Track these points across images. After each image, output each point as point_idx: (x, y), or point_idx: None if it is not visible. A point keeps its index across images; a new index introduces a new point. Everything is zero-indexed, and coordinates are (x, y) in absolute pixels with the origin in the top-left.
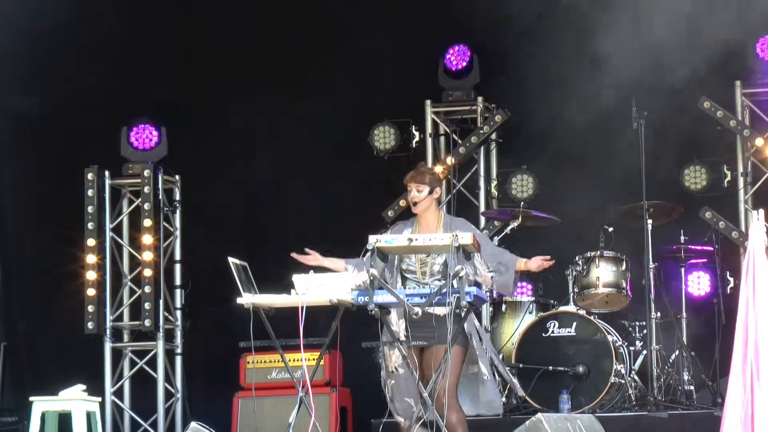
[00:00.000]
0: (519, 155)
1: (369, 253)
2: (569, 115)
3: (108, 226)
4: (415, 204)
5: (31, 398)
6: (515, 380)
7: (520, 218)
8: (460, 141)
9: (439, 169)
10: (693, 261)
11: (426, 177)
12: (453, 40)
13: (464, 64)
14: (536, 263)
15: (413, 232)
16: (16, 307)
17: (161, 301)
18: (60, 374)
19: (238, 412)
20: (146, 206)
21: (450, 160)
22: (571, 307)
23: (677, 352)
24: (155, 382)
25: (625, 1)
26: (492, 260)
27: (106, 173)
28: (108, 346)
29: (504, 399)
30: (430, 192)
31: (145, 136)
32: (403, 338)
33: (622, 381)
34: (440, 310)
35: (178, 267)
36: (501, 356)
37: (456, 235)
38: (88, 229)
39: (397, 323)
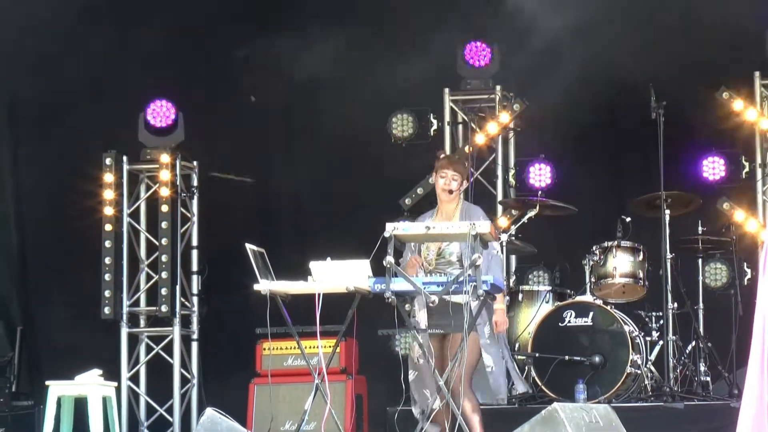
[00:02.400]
0: (537, 144)
1: (387, 241)
2: (587, 103)
3: (125, 211)
4: (450, 192)
5: (47, 382)
6: (520, 378)
7: (537, 207)
8: (478, 129)
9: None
10: (710, 252)
11: (462, 166)
12: (472, 33)
13: (484, 62)
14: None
15: (434, 219)
16: (33, 292)
17: (178, 287)
18: (76, 359)
19: (253, 399)
20: (164, 192)
21: (467, 149)
22: (587, 297)
23: (694, 343)
24: (171, 368)
25: None
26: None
27: (124, 158)
28: (124, 332)
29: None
30: (462, 182)
31: (162, 113)
32: (423, 327)
33: (639, 371)
34: (458, 299)
35: (195, 253)
36: (517, 345)
37: (473, 224)
38: (105, 214)
39: (419, 313)
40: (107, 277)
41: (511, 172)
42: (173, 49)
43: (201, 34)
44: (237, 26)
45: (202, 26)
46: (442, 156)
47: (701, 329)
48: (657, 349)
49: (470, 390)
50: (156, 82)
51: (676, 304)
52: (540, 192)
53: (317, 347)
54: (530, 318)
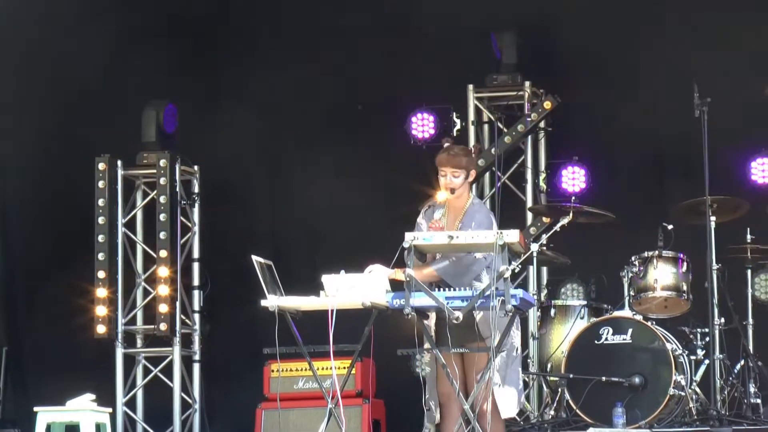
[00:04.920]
0: (570, 145)
1: (406, 252)
2: (625, 101)
3: (120, 221)
4: (452, 191)
5: (35, 408)
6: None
7: (571, 214)
8: (505, 129)
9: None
10: (760, 262)
11: (462, 160)
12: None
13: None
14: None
15: (443, 216)
16: (20, 309)
17: (178, 303)
18: (67, 382)
19: (261, 425)
20: (162, 199)
21: (493, 150)
22: (626, 312)
23: (742, 362)
24: (171, 392)
25: None
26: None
27: (119, 163)
28: (120, 352)
29: (552, 412)
30: (467, 176)
31: (173, 117)
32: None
33: (682, 393)
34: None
35: (196, 266)
36: (549, 365)
37: (500, 233)
38: (99, 224)
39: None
40: (101, 292)
41: (542, 175)
42: (172, 49)
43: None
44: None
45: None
46: (441, 149)
47: (750, 347)
48: (702, 368)
49: (497, 412)
50: (153, 83)
51: (723, 320)
52: (574, 197)
53: (330, 368)
54: (563, 335)
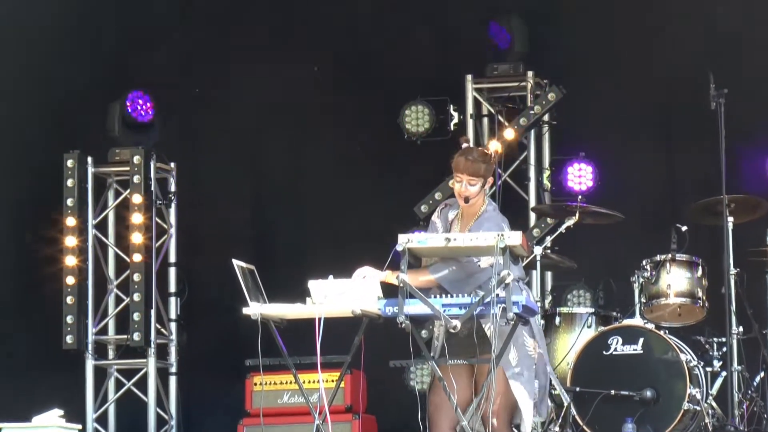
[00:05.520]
0: (576, 140)
1: (400, 256)
2: (635, 92)
3: (91, 222)
4: (466, 200)
5: None
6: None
7: (577, 215)
8: (506, 123)
9: (494, 145)
10: None
11: (481, 167)
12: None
13: (505, 46)
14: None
15: (457, 217)
16: None
17: (153, 311)
18: (33, 397)
19: None
20: (136, 199)
21: (494, 146)
22: (637, 320)
23: (762, 374)
24: (145, 407)
25: None
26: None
27: (89, 160)
28: (90, 364)
29: (557, 428)
30: (483, 184)
31: (140, 107)
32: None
33: (698, 408)
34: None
35: (173, 271)
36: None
37: (501, 235)
38: (67, 225)
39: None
40: (69, 299)
41: (546, 173)
42: (147, 39)
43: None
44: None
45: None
46: (460, 150)
47: None
48: (719, 381)
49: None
50: (127, 74)
51: (741, 328)
52: (580, 197)
53: (318, 381)
54: (569, 345)
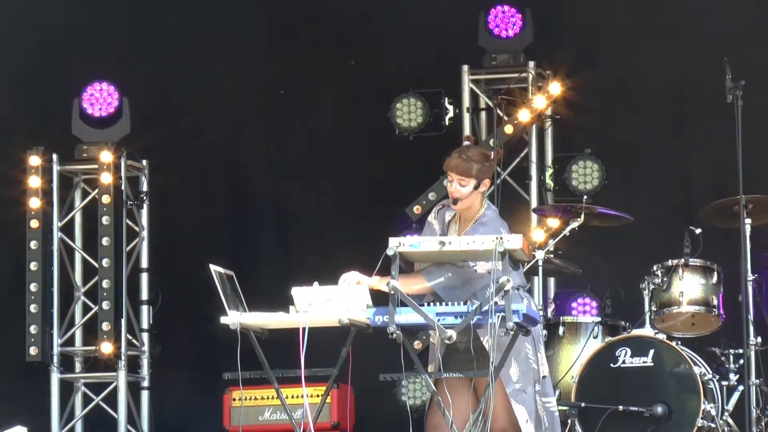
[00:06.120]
0: (581, 136)
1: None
2: (645, 85)
3: (56, 224)
4: (455, 201)
5: None
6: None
7: (582, 216)
8: (506, 117)
9: (524, 116)
10: None
11: (473, 167)
12: None
13: (513, 31)
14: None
15: (454, 219)
16: None
17: (123, 321)
18: None
19: None
20: (105, 199)
21: (492, 142)
22: (647, 331)
23: None
24: (115, 424)
25: None
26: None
27: (54, 157)
28: (55, 378)
29: None
30: (477, 186)
31: (102, 99)
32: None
33: (713, 425)
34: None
35: (145, 277)
36: (558, 392)
37: (500, 238)
38: (31, 228)
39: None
40: (33, 308)
41: (549, 171)
42: (117, 21)
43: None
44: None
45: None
46: (462, 146)
47: None
48: (736, 396)
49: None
50: (95, 61)
51: (759, 339)
52: (586, 197)
53: (302, 396)
54: (574, 357)
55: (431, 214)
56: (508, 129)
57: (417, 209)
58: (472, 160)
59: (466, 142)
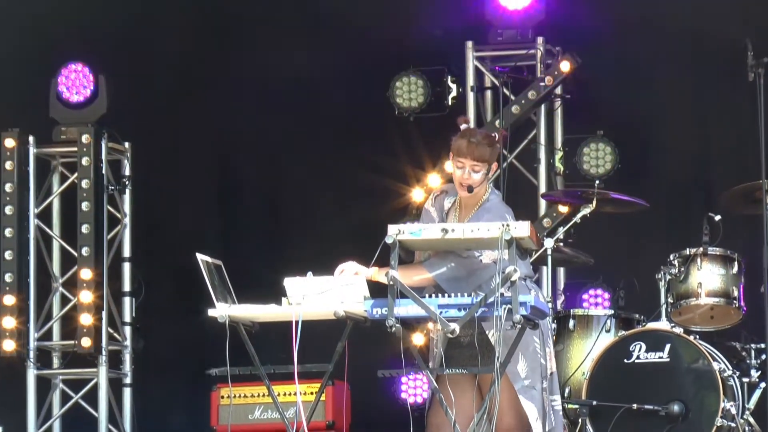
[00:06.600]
0: (593, 116)
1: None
2: (662, 62)
3: (32, 210)
4: (470, 189)
5: None
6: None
7: (594, 202)
8: (512, 97)
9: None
10: None
11: (486, 151)
12: None
13: (522, 5)
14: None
15: (454, 207)
16: None
17: (104, 314)
18: None
19: None
20: (84, 184)
21: (499, 124)
22: (663, 324)
23: None
24: (95, 423)
25: None
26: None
27: (31, 139)
28: (32, 374)
29: None
30: (488, 171)
31: (78, 82)
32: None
33: (732, 424)
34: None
35: (127, 266)
36: (568, 390)
37: (507, 225)
38: (5, 214)
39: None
40: (8, 300)
41: (559, 154)
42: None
43: None
44: None
45: None
46: (461, 130)
47: None
48: (758, 393)
49: None
50: (72, 36)
51: None
52: (598, 182)
53: (295, 394)
54: (585, 353)
55: (428, 201)
56: (515, 109)
57: (417, 195)
58: (482, 144)
59: (463, 126)
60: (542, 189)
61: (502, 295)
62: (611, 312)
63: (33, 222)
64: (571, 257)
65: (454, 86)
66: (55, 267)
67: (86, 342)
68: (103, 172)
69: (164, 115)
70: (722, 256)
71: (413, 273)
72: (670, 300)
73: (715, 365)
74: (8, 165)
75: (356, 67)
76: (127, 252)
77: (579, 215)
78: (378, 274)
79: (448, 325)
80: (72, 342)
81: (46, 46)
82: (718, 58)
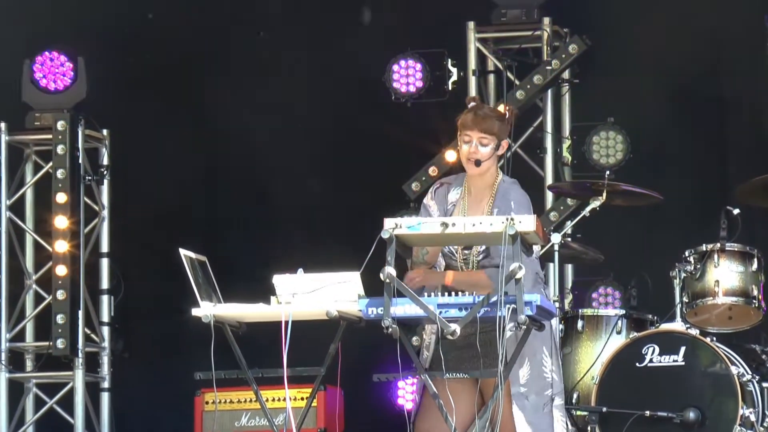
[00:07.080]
0: (603, 103)
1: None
2: (676, 45)
3: (4, 202)
4: (477, 163)
5: None
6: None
7: (604, 194)
8: (517, 81)
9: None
10: None
11: (495, 123)
12: None
13: None
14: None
15: (460, 199)
16: None
17: (81, 313)
18: None
19: None
20: (60, 174)
21: (507, 109)
22: (677, 325)
23: None
24: (71, 429)
25: None
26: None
27: (2, 125)
28: (3, 378)
29: None
30: (497, 146)
31: (55, 68)
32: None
33: (752, 431)
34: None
35: (105, 262)
36: (576, 395)
37: (510, 219)
38: None
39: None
40: None
41: (566, 143)
42: None
43: None
44: None
45: None
46: (470, 106)
47: None
48: None
49: None
50: (47, 18)
51: None
52: (608, 172)
53: (284, 399)
54: (595, 355)
55: (428, 195)
56: (520, 94)
57: (415, 186)
58: (490, 117)
59: (471, 104)
60: (549, 180)
61: (506, 293)
62: (622, 312)
63: (4, 214)
64: (579, 253)
65: (454, 70)
66: (29, 263)
67: (61, 343)
68: (80, 161)
69: (145, 101)
70: (741, 252)
71: (473, 279)
72: (685, 299)
73: (734, 369)
74: None
75: (350, 49)
76: (105, 247)
77: (588, 208)
78: (448, 276)
79: (449, 325)
80: (46, 343)
81: (18, 28)
82: (735, 41)
